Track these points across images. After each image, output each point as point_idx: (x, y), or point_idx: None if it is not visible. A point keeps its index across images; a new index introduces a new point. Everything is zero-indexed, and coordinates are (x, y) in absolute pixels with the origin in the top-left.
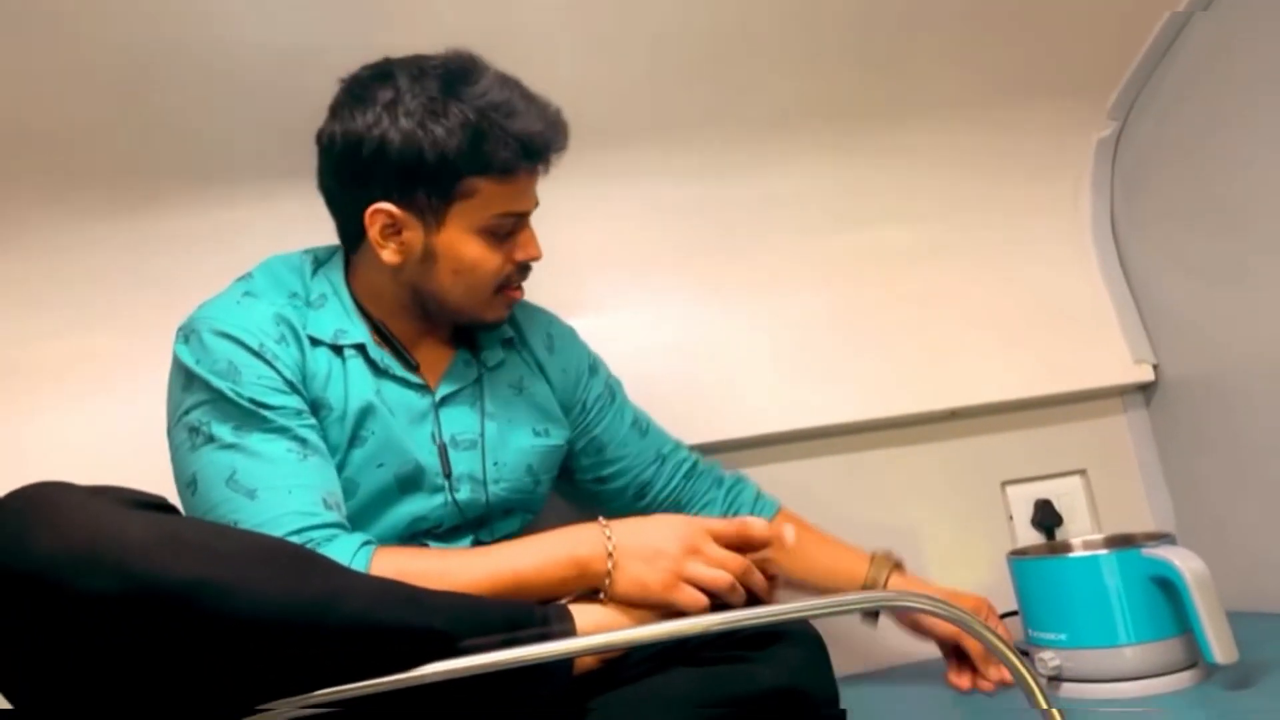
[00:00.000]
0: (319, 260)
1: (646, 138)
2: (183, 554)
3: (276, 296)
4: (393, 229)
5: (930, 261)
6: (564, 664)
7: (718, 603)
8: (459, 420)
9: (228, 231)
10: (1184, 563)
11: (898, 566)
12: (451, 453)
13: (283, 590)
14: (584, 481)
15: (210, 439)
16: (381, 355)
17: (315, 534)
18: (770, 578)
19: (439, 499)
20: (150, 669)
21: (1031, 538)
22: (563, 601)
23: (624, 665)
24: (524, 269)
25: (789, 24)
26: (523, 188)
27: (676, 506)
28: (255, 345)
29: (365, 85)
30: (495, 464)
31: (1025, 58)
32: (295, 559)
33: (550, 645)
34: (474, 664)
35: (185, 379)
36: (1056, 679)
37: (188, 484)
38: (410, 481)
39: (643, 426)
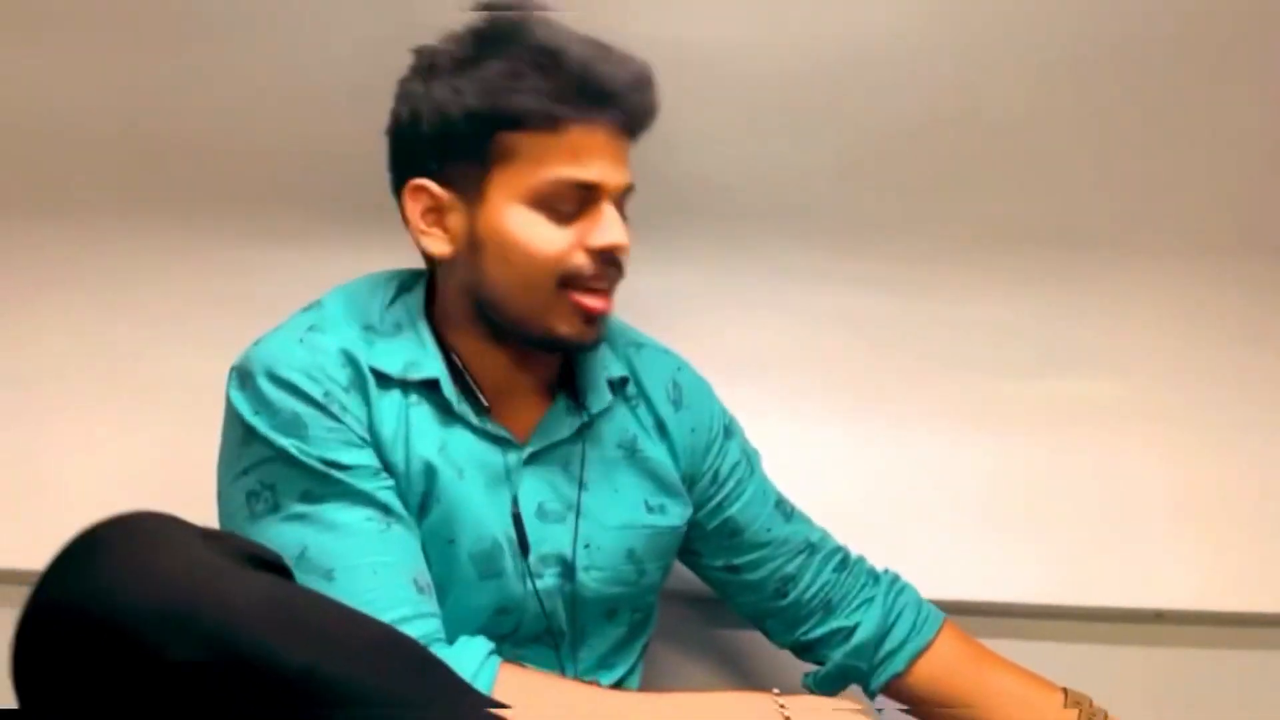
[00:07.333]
0: (404, 285)
1: (833, 240)
2: (294, 633)
3: (348, 328)
4: (435, 212)
5: (1140, 425)
6: None
7: None
8: (548, 485)
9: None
10: None
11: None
12: (537, 525)
13: (394, 694)
14: (711, 568)
15: (275, 508)
16: (456, 397)
17: (425, 629)
18: None
19: (522, 587)
20: None
21: None
22: None
23: None
24: (604, 262)
25: (1008, 127)
26: (582, 146)
27: (827, 607)
28: (320, 395)
29: (411, 64)
30: (588, 546)
31: None
32: (416, 658)
33: None
34: None
35: (243, 433)
36: None
37: None
38: (490, 562)
39: (787, 508)
